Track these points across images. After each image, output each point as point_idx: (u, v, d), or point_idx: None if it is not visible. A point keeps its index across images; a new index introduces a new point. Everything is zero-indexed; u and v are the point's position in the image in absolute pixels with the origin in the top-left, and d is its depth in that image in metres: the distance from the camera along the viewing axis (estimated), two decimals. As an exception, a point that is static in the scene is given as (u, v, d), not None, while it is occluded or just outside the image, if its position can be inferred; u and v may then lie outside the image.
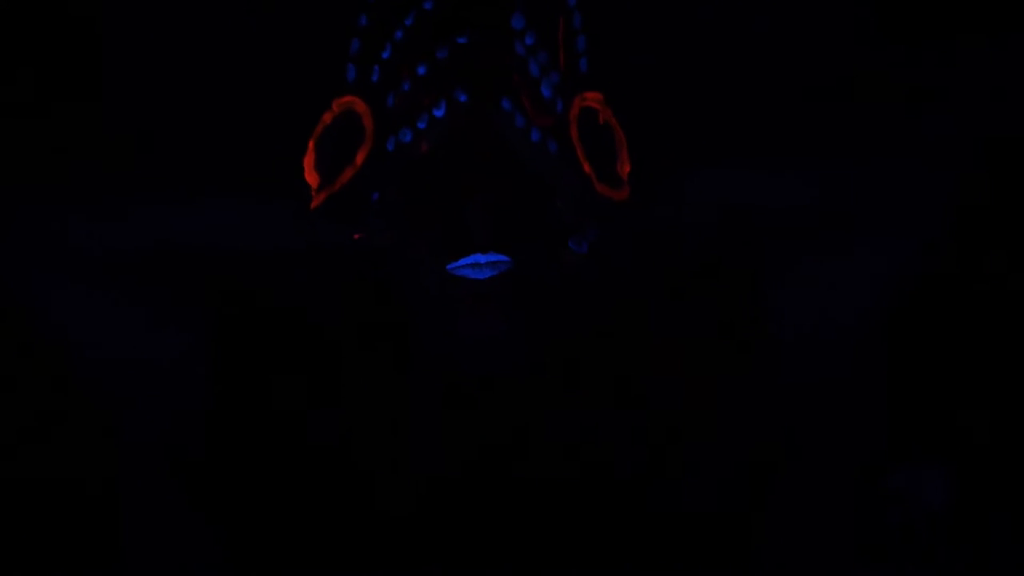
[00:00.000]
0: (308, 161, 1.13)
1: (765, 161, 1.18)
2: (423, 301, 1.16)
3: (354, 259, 1.18)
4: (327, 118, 1.13)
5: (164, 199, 1.16)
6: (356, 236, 1.13)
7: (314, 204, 1.12)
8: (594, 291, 1.22)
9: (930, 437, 1.56)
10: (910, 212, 1.18)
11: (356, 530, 1.19)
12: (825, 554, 1.33)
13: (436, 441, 1.20)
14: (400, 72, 1.12)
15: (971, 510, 1.56)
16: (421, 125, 1.11)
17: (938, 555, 1.54)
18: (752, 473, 1.21)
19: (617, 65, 1.18)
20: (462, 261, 1.14)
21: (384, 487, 1.19)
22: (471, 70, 1.13)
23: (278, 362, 1.22)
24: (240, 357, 1.22)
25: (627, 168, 1.14)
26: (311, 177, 1.12)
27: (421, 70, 1.11)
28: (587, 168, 1.12)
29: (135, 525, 1.27)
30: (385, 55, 1.12)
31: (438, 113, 1.10)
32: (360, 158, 1.11)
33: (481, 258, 1.14)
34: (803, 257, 1.19)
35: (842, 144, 1.20)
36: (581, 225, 1.13)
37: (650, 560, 1.18)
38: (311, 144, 1.13)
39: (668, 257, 1.23)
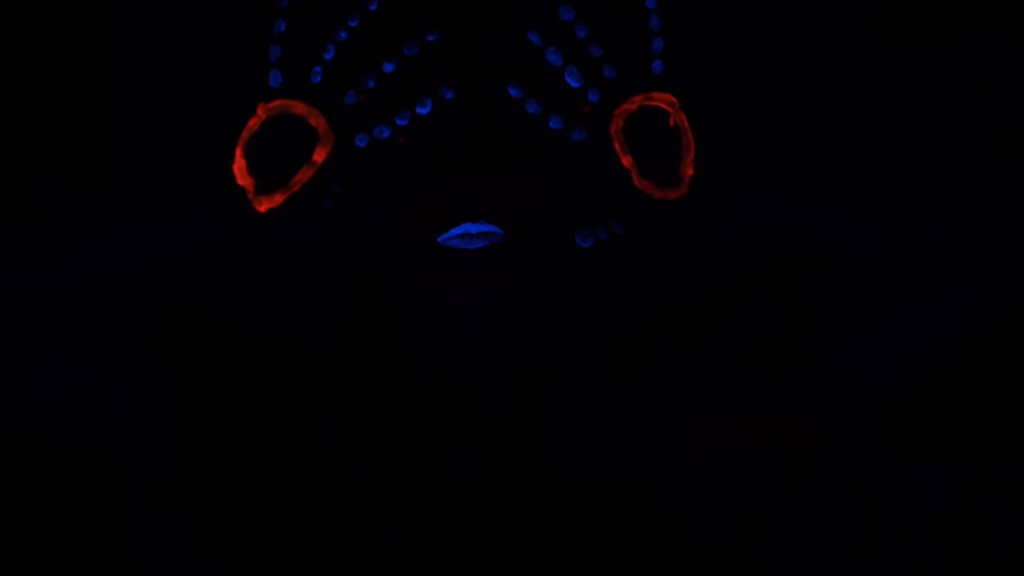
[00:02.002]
0: (238, 167, 1.11)
1: (838, 187, 1.16)
2: (410, 284, 1.15)
3: (327, 254, 1.17)
4: (254, 124, 1.12)
5: (95, 226, 1.14)
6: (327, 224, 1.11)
7: (265, 206, 1.10)
8: (609, 282, 1.21)
9: (930, 437, 1.56)
10: (1003, 264, 1.16)
11: (350, 541, 1.18)
12: (825, 554, 1.33)
13: (433, 448, 1.19)
14: (357, 71, 1.11)
15: (971, 510, 1.56)
16: (401, 122, 1.10)
17: (938, 555, 1.54)
18: (752, 475, 1.21)
19: (696, 74, 1.17)
20: (452, 232, 1.13)
21: (377, 498, 1.18)
22: (455, 66, 1.13)
23: (250, 375, 1.21)
24: (209, 377, 1.21)
25: (690, 172, 1.12)
26: (246, 182, 1.11)
27: (388, 67, 1.10)
28: (626, 162, 1.11)
29: (129, 548, 1.27)
30: (328, 56, 1.12)
31: (422, 111, 1.10)
32: (320, 156, 1.10)
33: (472, 228, 1.13)
34: (864, 297, 1.18)
35: (933, 180, 1.18)
36: (598, 219, 1.12)
37: (650, 562, 1.18)
38: (239, 151, 1.11)
39: (707, 265, 1.21)
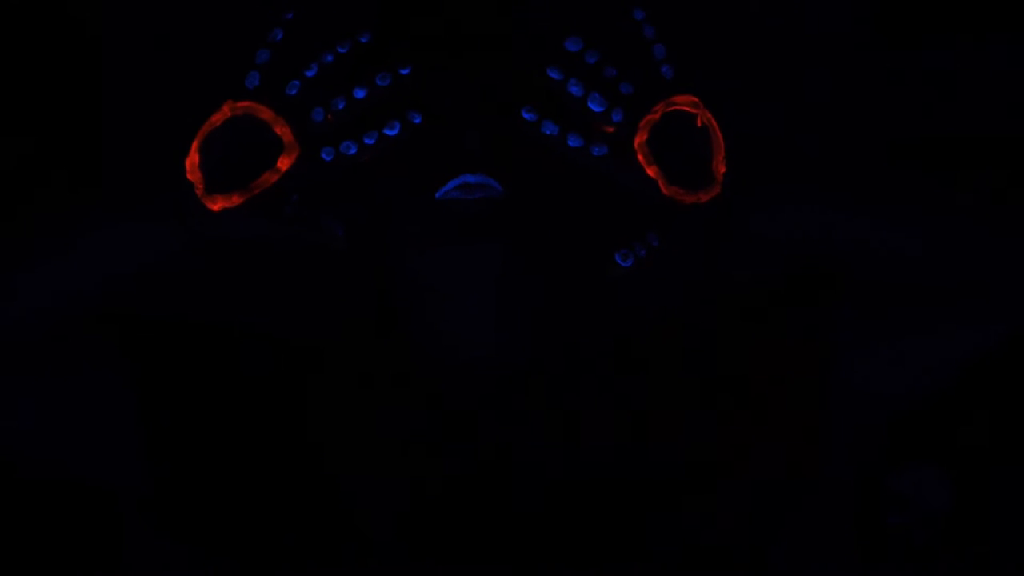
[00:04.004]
0: (191, 161, 1.11)
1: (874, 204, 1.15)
2: (404, 263, 1.15)
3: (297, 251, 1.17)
4: (217, 119, 1.12)
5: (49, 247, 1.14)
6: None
7: (220, 205, 1.10)
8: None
9: (930, 439, 1.56)
10: None
11: (345, 540, 1.19)
12: (826, 556, 1.33)
13: (429, 446, 1.20)
14: (331, 91, 1.12)
15: (971, 511, 1.56)
16: (369, 141, 1.11)
17: (938, 557, 1.54)
18: (752, 476, 1.21)
19: (706, 74, 1.17)
20: (450, 184, 1.14)
21: (372, 497, 1.19)
22: (430, 96, 1.14)
23: (243, 373, 1.21)
24: (200, 377, 1.21)
25: (723, 170, 1.12)
26: (195, 177, 1.11)
27: (359, 93, 1.11)
28: (651, 172, 1.11)
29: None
30: (309, 74, 1.12)
31: (390, 132, 1.11)
32: (285, 164, 1.11)
33: (471, 179, 1.14)
34: (887, 316, 1.18)
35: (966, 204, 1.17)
36: (634, 236, 1.12)
37: (651, 562, 1.19)
38: (195, 145, 1.12)
39: (730, 274, 1.21)
